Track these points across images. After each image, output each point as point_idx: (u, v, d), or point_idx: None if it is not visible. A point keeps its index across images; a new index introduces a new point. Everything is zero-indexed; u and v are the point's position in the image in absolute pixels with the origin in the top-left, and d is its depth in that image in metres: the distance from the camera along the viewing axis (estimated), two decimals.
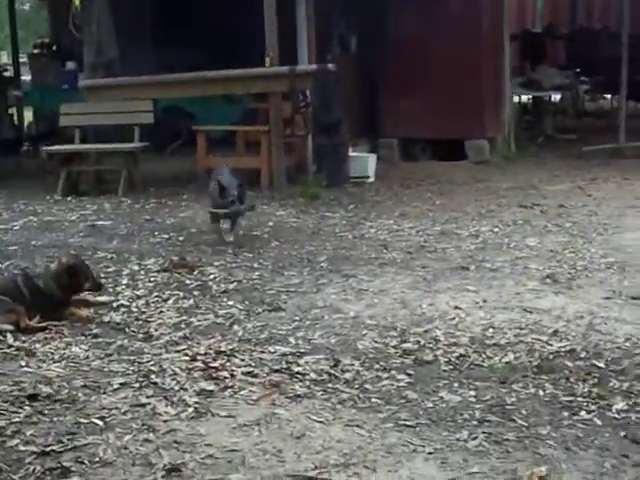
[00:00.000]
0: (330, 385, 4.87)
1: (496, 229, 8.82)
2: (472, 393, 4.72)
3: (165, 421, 4.40)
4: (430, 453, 4.02)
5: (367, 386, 4.84)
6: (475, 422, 4.36)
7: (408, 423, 4.35)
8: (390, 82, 13.64)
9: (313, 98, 11.45)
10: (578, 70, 17.88)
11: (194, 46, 14.63)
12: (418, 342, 5.51)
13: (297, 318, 6.05)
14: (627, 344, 5.41)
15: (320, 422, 4.37)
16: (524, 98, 17.28)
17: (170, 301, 6.52)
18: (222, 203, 8.18)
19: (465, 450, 4.06)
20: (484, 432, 4.24)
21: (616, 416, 4.41)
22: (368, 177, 11.97)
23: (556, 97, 17.88)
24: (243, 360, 5.23)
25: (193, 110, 14.61)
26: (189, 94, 12.75)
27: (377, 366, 5.14)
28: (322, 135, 11.42)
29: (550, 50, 19.47)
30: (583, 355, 5.24)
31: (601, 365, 5.08)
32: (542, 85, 16.27)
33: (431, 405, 4.58)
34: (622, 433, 4.22)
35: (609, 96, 19.14)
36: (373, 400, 4.65)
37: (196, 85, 11.88)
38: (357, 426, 4.32)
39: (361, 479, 3.79)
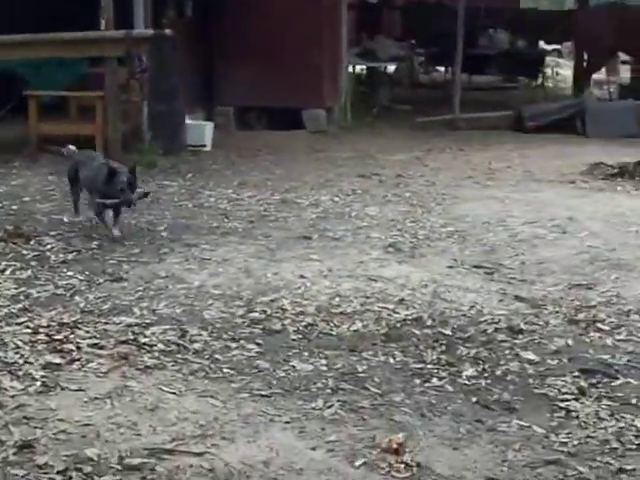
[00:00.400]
0: (180, 356, 4.80)
1: (336, 198, 8.87)
2: (323, 362, 4.75)
3: (12, 396, 4.24)
4: (287, 422, 4.01)
5: (217, 356, 4.80)
6: (329, 391, 4.38)
7: (262, 393, 4.33)
8: (226, 49, 13.51)
9: (149, 63, 11.21)
10: (413, 42, 18.14)
11: (33, 6, 14.06)
12: (265, 311, 5.50)
13: (140, 288, 5.94)
14: (472, 312, 5.53)
15: (173, 393, 4.30)
16: (358, 68, 17.39)
17: (7, 272, 6.28)
18: (110, 191, 7.15)
19: (322, 419, 4.07)
20: (339, 400, 4.25)
21: (466, 382, 4.51)
22: (205, 146, 11.84)
23: (391, 68, 18.09)
24: (88, 332, 5.10)
25: (25, 73, 14.05)
26: (18, 56, 12.15)
27: (225, 336, 5.10)
28: (158, 102, 11.20)
29: (387, 21, 19.66)
30: (430, 323, 5.34)
31: (448, 332, 5.19)
32: (378, 56, 16.43)
33: (283, 374, 4.58)
34: (474, 399, 4.31)
35: (442, 68, 19.48)
36: (225, 370, 4.62)
37: (27, 47, 11.38)
38: (211, 397, 4.27)
39: (220, 450, 3.74)
